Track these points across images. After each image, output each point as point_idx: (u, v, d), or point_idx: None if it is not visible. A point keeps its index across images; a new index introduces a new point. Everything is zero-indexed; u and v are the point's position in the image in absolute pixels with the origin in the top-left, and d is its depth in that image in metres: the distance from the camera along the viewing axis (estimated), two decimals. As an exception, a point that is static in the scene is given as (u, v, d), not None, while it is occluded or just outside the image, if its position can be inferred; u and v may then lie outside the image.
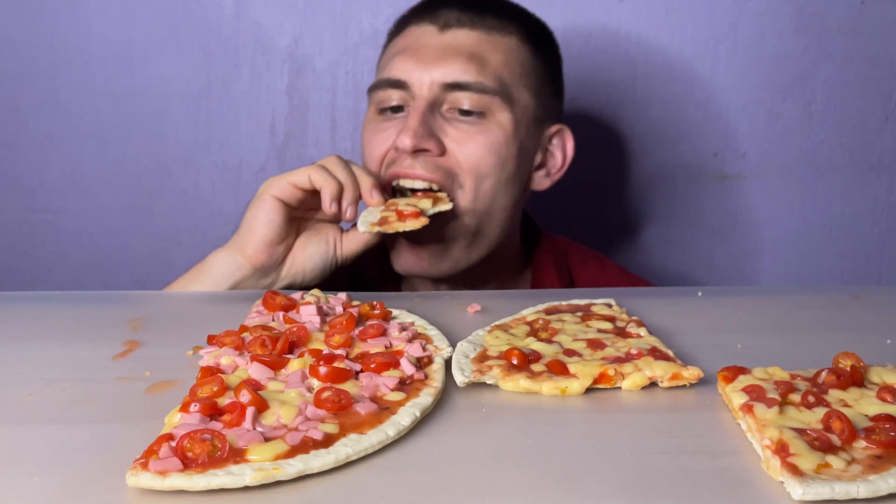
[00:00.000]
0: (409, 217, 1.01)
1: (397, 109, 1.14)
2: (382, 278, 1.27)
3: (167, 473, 0.52)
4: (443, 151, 1.10)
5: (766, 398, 0.62)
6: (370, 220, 1.01)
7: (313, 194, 1.02)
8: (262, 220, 1.01)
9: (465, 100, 1.10)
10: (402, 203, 1.04)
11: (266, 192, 1.02)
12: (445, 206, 1.06)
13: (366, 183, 1.03)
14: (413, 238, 1.11)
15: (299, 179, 1.01)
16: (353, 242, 1.06)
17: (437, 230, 1.10)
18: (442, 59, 1.11)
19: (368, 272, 1.28)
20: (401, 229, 1.01)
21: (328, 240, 1.06)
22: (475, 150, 1.10)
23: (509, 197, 1.16)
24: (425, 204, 1.04)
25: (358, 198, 1.03)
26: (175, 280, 1.04)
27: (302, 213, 1.05)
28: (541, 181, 1.23)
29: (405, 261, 1.15)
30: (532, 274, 1.29)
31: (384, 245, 1.28)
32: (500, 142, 1.12)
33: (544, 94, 1.19)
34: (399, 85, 1.12)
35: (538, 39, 1.20)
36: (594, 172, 1.59)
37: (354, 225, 1.05)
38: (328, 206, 1.00)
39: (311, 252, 1.05)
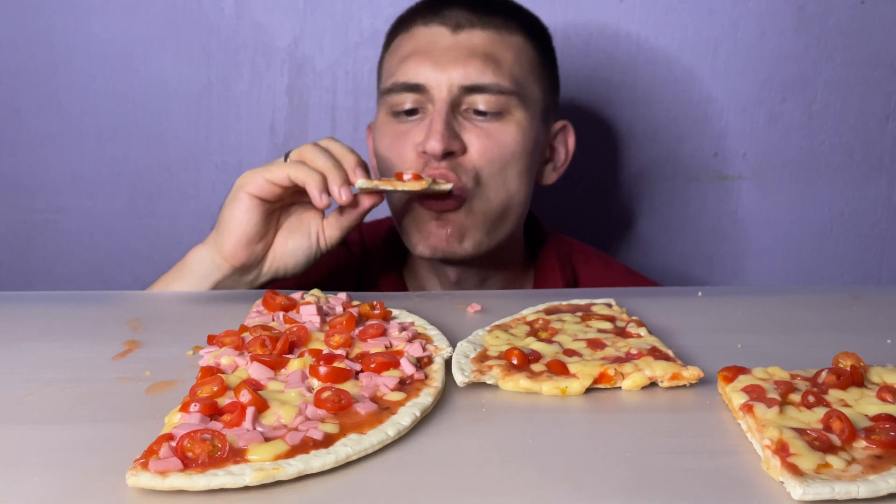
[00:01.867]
0: (410, 179, 1.01)
1: (411, 112, 1.13)
2: (385, 272, 1.28)
3: (167, 473, 0.52)
4: (465, 150, 1.11)
5: (766, 398, 0.62)
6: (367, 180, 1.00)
7: (293, 187, 0.99)
8: (239, 218, 0.98)
9: (483, 102, 1.11)
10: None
11: (241, 189, 0.98)
12: (446, 186, 1.07)
13: (349, 161, 0.99)
14: (436, 223, 1.11)
15: (277, 177, 0.97)
16: (334, 229, 1.03)
17: (460, 214, 1.11)
18: (459, 61, 1.10)
19: (372, 267, 1.29)
20: (400, 188, 1.01)
21: (310, 233, 1.03)
22: (494, 147, 1.11)
23: (524, 191, 1.17)
24: (427, 180, 1.05)
25: (346, 180, 0.99)
26: (157, 279, 1.03)
27: (280, 205, 1.03)
28: (549, 175, 1.26)
29: (432, 236, 1.12)
30: (536, 272, 1.30)
31: (387, 240, 1.29)
32: (518, 139, 1.13)
33: (549, 89, 1.21)
34: (416, 88, 1.12)
35: (539, 36, 1.21)
36: (594, 172, 1.60)
37: (334, 210, 1.03)
38: (318, 199, 0.96)
39: (293, 247, 1.02)
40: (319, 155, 0.98)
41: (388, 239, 1.29)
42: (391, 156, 1.14)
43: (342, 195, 0.97)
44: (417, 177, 1.03)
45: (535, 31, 1.20)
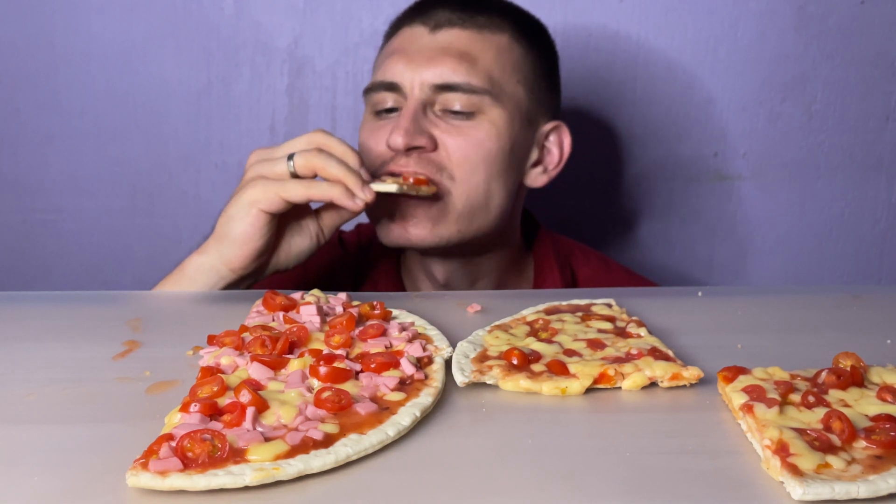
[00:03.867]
0: (420, 184, 1.06)
1: (392, 111, 1.14)
2: (384, 275, 1.28)
3: (167, 473, 0.52)
4: (435, 147, 1.11)
5: (766, 398, 0.62)
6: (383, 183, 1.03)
7: None
8: (251, 234, 0.97)
9: (456, 101, 1.11)
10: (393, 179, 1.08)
11: (254, 205, 0.97)
12: (426, 190, 1.09)
13: (353, 161, 1.00)
14: (403, 213, 1.12)
15: (295, 197, 0.96)
16: (331, 225, 1.06)
17: (428, 211, 1.11)
18: (432, 60, 1.11)
19: (371, 270, 1.28)
20: (406, 189, 1.04)
21: (311, 234, 1.05)
22: (465, 144, 1.11)
23: (503, 191, 1.15)
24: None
25: (363, 180, 0.99)
26: (155, 287, 1.02)
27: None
28: (537, 178, 1.22)
29: (393, 230, 1.13)
30: (535, 273, 1.29)
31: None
32: (491, 137, 1.12)
33: (538, 91, 1.19)
34: (392, 87, 1.12)
35: (531, 36, 1.20)
36: (594, 172, 1.60)
37: (324, 205, 1.05)
38: (354, 206, 0.98)
39: (298, 249, 1.04)
40: (330, 163, 0.98)
41: (390, 253, 1.29)
42: (365, 152, 1.15)
43: (367, 195, 0.98)
44: (426, 181, 1.08)
45: (526, 32, 1.19)
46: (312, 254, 1.06)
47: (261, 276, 1.04)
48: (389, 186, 1.03)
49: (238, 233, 0.98)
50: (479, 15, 1.15)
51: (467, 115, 1.12)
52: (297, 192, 0.96)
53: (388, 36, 1.21)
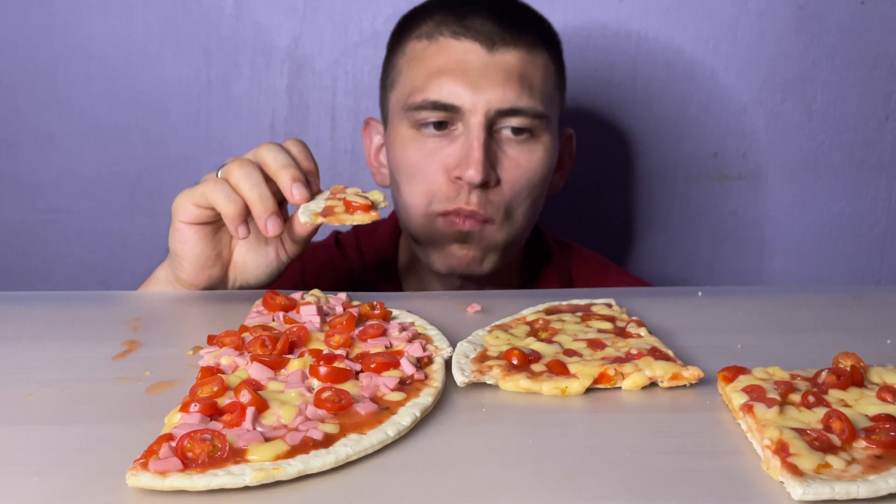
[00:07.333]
0: (358, 209, 0.88)
1: (440, 126, 1.11)
2: (382, 278, 1.27)
3: (167, 473, 0.52)
4: (497, 182, 1.11)
5: (766, 398, 0.62)
6: (313, 210, 0.88)
7: None
8: (182, 248, 0.91)
9: (515, 123, 1.10)
10: (350, 192, 0.92)
11: (175, 217, 0.91)
12: (363, 218, 0.90)
13: (285, 179, 0.87)
14: (461, 240, 1.13)
15: (200, 201, 0.88)
16: (292, 242, 0.95)
17: (483, 239, 1.13)
18: (496, 84, 1.09)
19: (369, 273, 1.28)
20: (348, 222, 0.88)
21: (267, 252, 0.95)
22: (521, 177, 1.12)
23: (537, 210, 1.19)
24: (377, 196, 0.92)
25: (274, 210, 0.88)
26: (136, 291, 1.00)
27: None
28: (558, 183, 1.27)
29: (453, 257, 1.14)
30: (532, 273, 1.30)
31: (392, 245, 1.28)
32: (544, 164, 1.14)
33: (563, 103, 1.21)
34: (449, 109, 1.10)
35: (555, 47, 1.20)
36: (593, 172, 1.60)
37: (290, 220, 0.94)
38: (234, 232, 0.87)
39: (253, 266, 0.95)
40: (246, 178, 0.87)
41: (387, 249, 1.29)
42: (417, 175, 1.12)
43: (268, 228, 0.87)
44: (368, 207, 0.89)
45: (555, 45, 1.19)
46: (276, 272, 0.97)
47: (228, 289, 0.97)
48: (330, 222, 0.87)
49: (172, 247, 0.93)
50: (523, 32, 1.12)
51: (525, 137, 1.11)
52: (200, 196, 0.88)
53: (413, 38, 1.15)
